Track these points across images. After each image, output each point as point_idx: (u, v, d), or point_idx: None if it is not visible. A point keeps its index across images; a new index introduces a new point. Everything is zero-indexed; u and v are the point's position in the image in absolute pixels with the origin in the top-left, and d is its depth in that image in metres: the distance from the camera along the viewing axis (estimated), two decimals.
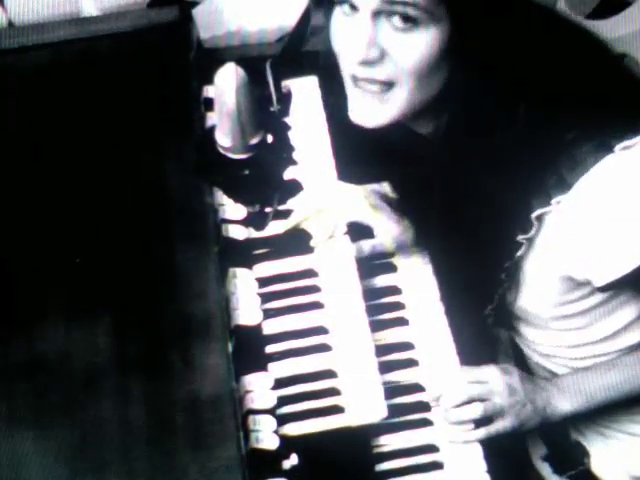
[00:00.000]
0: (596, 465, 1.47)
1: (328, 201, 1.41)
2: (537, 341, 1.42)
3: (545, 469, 1.51)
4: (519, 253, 1.26)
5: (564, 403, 1.33)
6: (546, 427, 1.40)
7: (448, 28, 1.14)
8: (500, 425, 1.30)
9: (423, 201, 1.33)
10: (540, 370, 1.48)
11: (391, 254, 1.44)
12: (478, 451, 1.29)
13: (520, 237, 1.24)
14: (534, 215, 1.22)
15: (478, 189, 1.23)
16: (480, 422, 1.29)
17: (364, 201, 1.39)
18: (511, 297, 1.33)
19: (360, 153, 1.38)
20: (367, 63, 1.15)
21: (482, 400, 1.29)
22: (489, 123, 1.19)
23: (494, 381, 1.31)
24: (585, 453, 1.48)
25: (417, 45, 1.14)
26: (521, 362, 1.53)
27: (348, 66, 1.19)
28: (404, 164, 1.35)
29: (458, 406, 1.29)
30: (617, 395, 1.35)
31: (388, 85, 1.17)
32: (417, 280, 1.42)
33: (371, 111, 1.20)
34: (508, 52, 1.16)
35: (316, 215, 1.40)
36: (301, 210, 1.40)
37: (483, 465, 1.28)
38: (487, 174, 1.21)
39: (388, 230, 1.39)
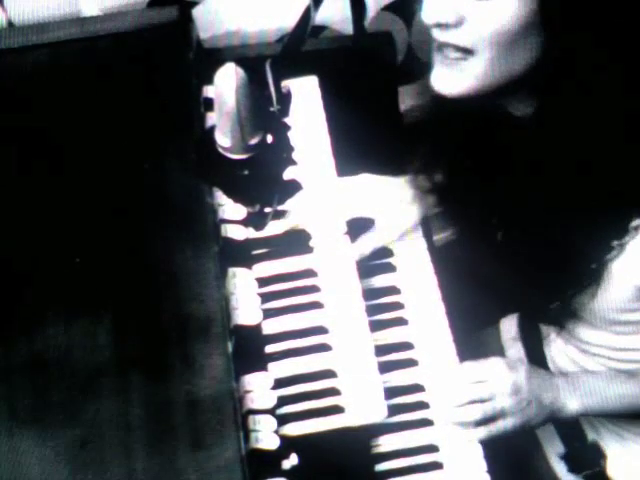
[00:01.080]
0: (612, 467, 1.47)
1: (327, 199, 1.40)
2: (587, 339, 1.41)
3: (561, 468, 1.50)
4: (608, 257, 1.25)
5: (573, 402, 1.33)
6: (556, 423, 1.40)
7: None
8: (502, 425, 1.29)
9: (507, 187, 1.30)
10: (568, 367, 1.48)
11: (391, 254, 1.44)
12: (478, 451, 1.29)
13: (615, 243, 1.24)
14: (633, 225, 1.22)
15: (574, 189, 1.21)
16: (482, 421, 1.29)
17: (363, 194, 1.39)
18: (583, 297, 1.31)
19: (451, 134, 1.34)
20: (442, 26, 1.14)
21: (484, 401, 1.29)
22: (586, 116, 1.16)
23: (498, 379, 1.30)
24: (602, 454, 1.47)
25: (495, 13, 1.11)
26: (535, 356, 1.54)
27: (430, 30, 1.17)
28: (491, 147, 1.31)
29: (459, 406, 1.29)
30: (629, 407, 1.34)
31: (467, 52, 1.15)
32: (417, 280, 1.42)
33: (450, 79, 1.18)
34: (598, 37, 1.12)
35: (316, 213, 1.40)
36: (300, 209, 1.40)
37: (483, 465, 1.29)
38: (585, 176, 1.19)
39: (390, 220, 1.38)
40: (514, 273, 1.34)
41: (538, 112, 1.22)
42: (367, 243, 1.39)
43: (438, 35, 1.16)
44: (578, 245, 1.25)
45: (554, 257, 1.28)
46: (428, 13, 1.14)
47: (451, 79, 1.18)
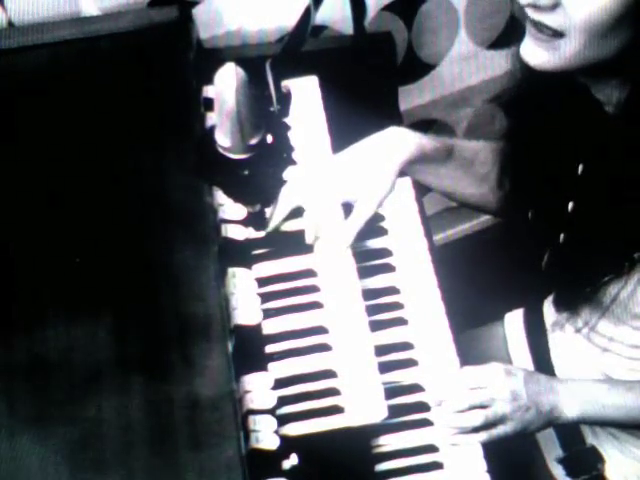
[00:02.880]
0: (610, 471, 1.47)
1: (303, 191, 1.39)
2: (603, 332, 1.41)
3: (559, 471, 1.51)
4: None
5: (571, 409, 1.33)
6: (555, 427, 1.40)
7: None
8: (502, 430, 1.30)
9: (571, 168, 1.31)
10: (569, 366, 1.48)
11: (391, 253, 1.44)
12: (478, 451, 1.29)
13: None
14: None
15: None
16: (482, 427, 1.29)
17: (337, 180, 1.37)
18: (613, 286, 1.30)
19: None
20: (536, 7, 1.14)
21: (484, 407, 1.29)
22: None
23: (496, 386, 1.30)
24: (600, 458, 1.48)
25: (589, 2, 1.10)
26: (540, 351, 1.54)
27: (524, 6, 1.16)
28: (568, 121, 1.31)
29: (460, 412, 1.29)
30: (626, 418, 1.34)
31: (558, 34, 1.15)
32: (417, 280, 1.42)
33: (539, 54, 1.18)
34: None
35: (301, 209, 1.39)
36: (282, 207, 1.38)
37: (483, 465, 1.29)
38: None
39: (364, 192, 1.36)
40: (568, 248, 1.35)
41: (619, 99, 1.22)
42: (352, 223, 1.36)
43: (532, 14, 1.15)
44: (632, 231, 1.25)
45: (607, 239, 1.28)
46: None
47: (540, 54, 1.18)
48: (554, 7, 1.13)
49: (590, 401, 1.33)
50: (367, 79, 1.61)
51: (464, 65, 2.10)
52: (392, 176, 1.37)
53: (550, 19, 1.14)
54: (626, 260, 1.27)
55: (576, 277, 1.35)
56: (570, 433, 1.50)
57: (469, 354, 1.37)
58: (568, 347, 1.52)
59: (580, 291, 1.35)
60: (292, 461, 1.24)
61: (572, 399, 1.33)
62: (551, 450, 1.52)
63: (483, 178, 1.50)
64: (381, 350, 1.34)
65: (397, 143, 1.38)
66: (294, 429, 1.27)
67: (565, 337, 1.52)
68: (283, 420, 1.27)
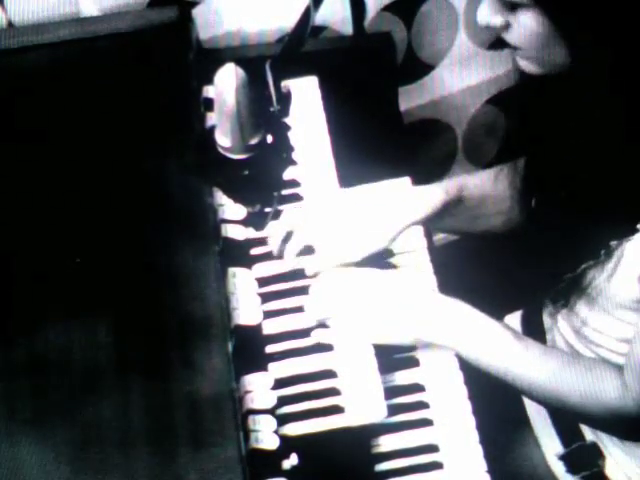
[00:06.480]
0: (611, 469, 1.47)
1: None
2: (590, 323, 1.40)
3: (559, 468, 1.51)
4: (626, 237, 1.27)
5: (435, 333, 1.32)
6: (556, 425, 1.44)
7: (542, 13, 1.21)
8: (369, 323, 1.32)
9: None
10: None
11: (391, 254, 1.44)
12: (478, 451, 1.29)
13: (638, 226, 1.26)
14: None
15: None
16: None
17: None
18: (594, 272, 1.32)
19: None
20: (491, 29, 1.26)
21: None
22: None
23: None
24: (600, 455, 1.47)
25: (524, 26, 1.23)
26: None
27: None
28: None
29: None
30: (486, 365, 1.32)
31: (517, 48, 1.27)
32: (417, 280, 1.42)
33: (519, 61, 1.30)
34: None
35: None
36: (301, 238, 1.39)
37: (483, 465, 1.29)
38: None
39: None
40: (541, 237, 1.39)
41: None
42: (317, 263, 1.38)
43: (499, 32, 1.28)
44: (604, 219, 1.28)
45: (578, 227, 1.31)
46: (480, 17, 1.26)
47: (521, 62, 1.30)
48: (507, 27, 1.25)
49: (458, 331, 1.31)
50: (367, 79, 1.61)
51: (464, 65, 2.10)
52: (389, 237, 1.38)
53: (508, 37, 1.26)
54: (603, 248, 1.30)
55: (560, 264, 1.37)
56: (570, 429, 1.49)
57: None
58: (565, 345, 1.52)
59: (562, 277, 1.37)
60: (292, 461, 1.24)
61: (446, 323, 1.31)
62: (551, 447, 1.52)
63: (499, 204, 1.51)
64: (381, 350, 1.34)
65: (407, 206, 1.39)
66: (294, 429, 1.27)
67: (563, 339, 1.52)
68: (283, 420, 1.27)
